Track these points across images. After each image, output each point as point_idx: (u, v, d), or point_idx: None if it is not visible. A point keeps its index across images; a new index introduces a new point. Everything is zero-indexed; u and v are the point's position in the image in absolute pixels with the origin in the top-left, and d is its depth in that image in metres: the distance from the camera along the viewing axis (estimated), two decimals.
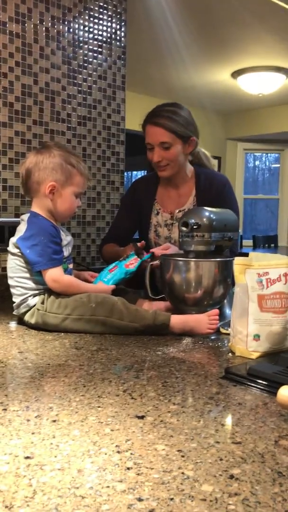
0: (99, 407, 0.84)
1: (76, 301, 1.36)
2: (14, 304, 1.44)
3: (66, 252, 1.48)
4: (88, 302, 1.35)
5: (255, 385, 0.95)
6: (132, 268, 1.56)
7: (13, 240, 1.44)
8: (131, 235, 1.97)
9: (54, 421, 0.79)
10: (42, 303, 1.39)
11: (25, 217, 1.46)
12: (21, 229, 1.44)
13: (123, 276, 1.55)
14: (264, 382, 0.95)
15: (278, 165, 6.98)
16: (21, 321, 1.46)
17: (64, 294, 1.40)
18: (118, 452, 0.69)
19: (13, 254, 1.44)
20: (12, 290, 1.45)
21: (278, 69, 4.58)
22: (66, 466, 0.65)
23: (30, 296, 1.41)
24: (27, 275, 1.41)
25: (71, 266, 1.52)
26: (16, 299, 1.43)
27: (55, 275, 1.38)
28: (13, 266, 1.44)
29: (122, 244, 1.81)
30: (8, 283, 1.45)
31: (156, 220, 1.90)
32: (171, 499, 0.58)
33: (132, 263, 1.57)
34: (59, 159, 1.43)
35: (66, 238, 1.50)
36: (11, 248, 1.44)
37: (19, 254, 1.42)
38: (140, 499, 0.57)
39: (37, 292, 1.41)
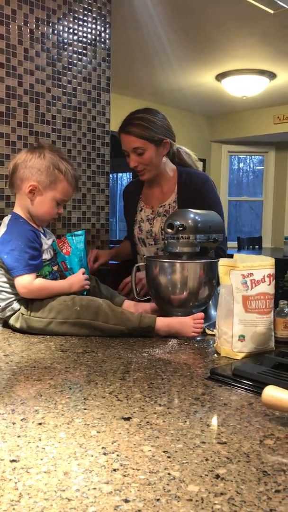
0: (85, 409, 0.84)
1: (61, 305, 1.36)
2: None
3: (48, 255, 1.48)
4: (73, 305, 1.35)
5: (240, 386, 0.96)
6: (77, 243, 1.53)
7: None
8: (130, 234, 2.07)
9: (40, 423, 0.78)
10: (27, 307, 1.38)
11: (6, 219, 1.45)
12: (1, 232, 1.43)
13: (76, 258, 1.52)
14: (249, 383, 0.96)
15: (262, 167, 7.04)
16: (6, 324, 1.45)
17: (35, 298, 1.39)
18: (105, 454, 0.69)
19: None
20: None
21: (261, 72, 4.62)
22: (52, 468, 0.65)
23: (14, 300, 1.41)
24: (10, 279, 1.41)
25: (56, 268, 1.51)
26: (1, 303, 1.42)
27: (25, 282, 1.36)
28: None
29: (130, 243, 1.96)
30: None
31: (140, 216, 1.98)
32: (158, 499, 0.58)
33: (63, 246, 1.54)
34: (48, 162, 1.42)
35: (47, 242, 1.49)
36: None
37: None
38: (126, 500, 0.58)
39: (21, 296, 1.41)
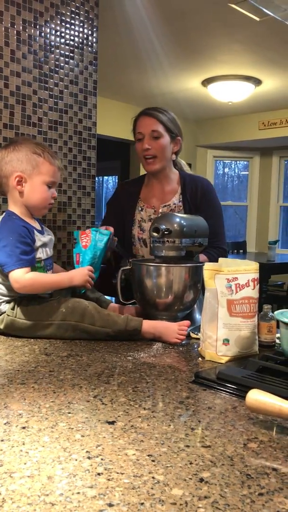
0: (69, 413, 0.84)
1: (46, 306, 1.35)
2: None
3: (44, 254, 1.46)
4: (58, 306, 1.34)
5: (225, 389, 0.97)
6: (99, 240, 1.51)
7: None
8: (118, 233, 1.96)
9: (24, 427, 0.78)
10: (12, 308, 1.37)
11: (2, 216, 1.44)
12: None
13: (91, 254, 1.50)
14: (233, 386, 0.96)
15: (247, 173, 7.10)
16: None
17: (31, 293, 1.37)
18: (89, 458, 0.69)
19: None
20: None
21: (247, 78, 4.67)
22: (36, 473, 0.64)
23: (3, 302, 1.39)
24: (2, 280, 1.39)
25: (50, 272, 1.49)
26: None
27: (16, 276, 1.34)
28: None
29: (120, 243, 1.87)
30: None
31: (140, 216, 1.98)
32: (142, 503, 0.58)
33: (84, 239, 1.52)
34: (24, 150, 1.42)
35: (42, 239, 1.46)
36: None
37: None
38: (110, 505, 0.57)
39: (10, 298, 1.39)
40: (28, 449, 0.71)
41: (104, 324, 1.32)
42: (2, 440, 0.73)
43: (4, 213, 1.45)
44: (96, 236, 1.52)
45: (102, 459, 0.68)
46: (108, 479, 0.63)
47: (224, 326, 1.18)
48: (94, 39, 2.21)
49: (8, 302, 1.39)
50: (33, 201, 1.44)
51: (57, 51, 2.07)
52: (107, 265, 2.18)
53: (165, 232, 1.48)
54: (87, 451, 0.70)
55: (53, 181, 1.46)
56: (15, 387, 0.96)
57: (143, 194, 2.00)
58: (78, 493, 0.60)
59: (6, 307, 1.38)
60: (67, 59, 2.11)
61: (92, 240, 1.51)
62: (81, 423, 0.80)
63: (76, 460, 0.68)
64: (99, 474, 0.64)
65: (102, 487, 0.61)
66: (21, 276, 1.34)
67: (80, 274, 1.43)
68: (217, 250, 1.86)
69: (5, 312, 1.38)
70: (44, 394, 0.93)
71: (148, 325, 1.34)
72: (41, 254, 1.44)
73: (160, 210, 1.93)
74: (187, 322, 1.35)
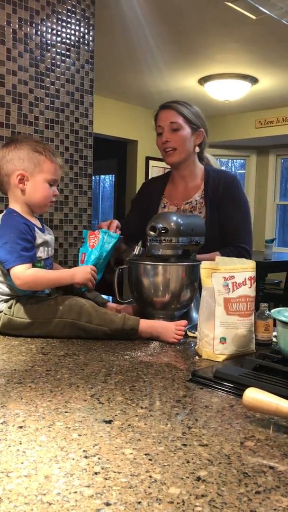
0: (66, 412, 0.84)
1: (43, 305, 1.35)
2: None
3: (44, 253, 1.45)
4: (56, 304, 1.34)
5: (222, 388, 0.97)
6: (106, 242, 1.50)
7: None
8: (140, 232, 1.92)
9: (21, 427, 0.78)
10: (10, 307, 1.37)
11: (1, 215, 1.44)
12: None
13: (97, 254, 1.50)
14: (230, 385, 0.96)
15: (244, 171, 7.10)
16: None
17: (33, 289, 1.37)
18: (86, 457, 0.69)
19: None
20: None
21: (244, 76, 4.67)
22: (33, 472, 0.64)
23: (1, 301, 1.39)
24: (1, 279, 1.39)
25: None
26: None
27: (17, 272, 1.33)
28: None
29: (132, 240, 1.83)
30: None
31: None
32: (139, 502, 0.58)
33: (93, 239, 1.52)
34: (25, 148, 1.42)
35: (43, 237, 1.46)
36: None
37: None
38: (108, 504, 0.57)
39: (8, 298, 1.39)
40: (25, 448, 0.71)
41: (101, 322, 1.32)
42: None
43: (4, 211, 1.45)
44: (105, 237, 1.52)
45: (99, 458, 0.68)
46: (105, 478, 0.63)
47: (221, 325, 1.18)
48: (91, 38, 2.20)
49: (6, 301, 1.39)
50: (35, 199, 1.44)
51: (54, 49, 2.07)
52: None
53: (162, 231, 1.48)
54: (84, 450, 0.70)
55: (54, 179, 1.46)
56: (12, 386, 0.96)
57: (168, 191, 1.95)
58: (75, 492, 0.60)
59: (3, 306, 1.38)
60: (63, 58, 2.10)
61: (100, 241, 1.52)
62: (78, 422, 0.80)
63: (73, 459, 0.68)
64: (96, 473, 0.64)
65: (99, 486, 0.61)
66: (22, 272, 1.33)
67: (83, 271, 1.42)
68: (236, 249, 1.76)
69: (2, 311, 1.38)
70: (41, 393, 0.93)
71: (146, 325, 1.34)
72: (41, 253, 1.44)
73: (182, 208, 1.87)
74: (184, 322, 1.35)
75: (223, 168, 7.23)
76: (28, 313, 1.34)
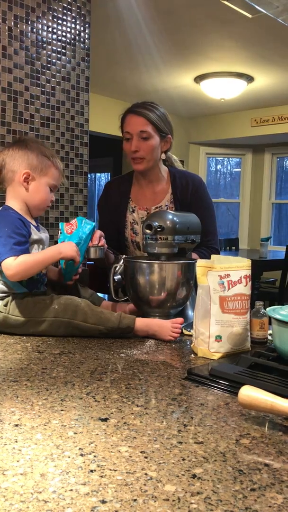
0: (62, 410, 0.84)
1: (39, 303, 1.35)
2: None
3: (39, 251, 1.45)
4: (51, 303, 1.34)
5: (217, 386, 0.97)
6: (84, 227, 1.50)
7: None
8: (114, 235, 1.93)
9: (17, 425, 0.78)
10: (6, 305, 1.36)
11: None
12: None
13: (76, 239, 1.48)
14: (225, 383, 0.97)
15: (239, 170, 7.11)
16: None
17: (26, 276, 1.36)
18: (82, 455, 0.69)
19: None
20: None
21: (239, 75, 4.67)
22: (28, 470, 0.64)
23: None
24: None
25: (44, 271, 1.48)
26: None
27: (7, 264, 1.32)
28: None
29: (113, 244, 1.85)
30: None
31: (132, 218, 1.91)
32: (135, 500, 0.58)
33: (70, 227, 1.52)
34: (35, 150, 1.46)
35: (38, 234, 1.46)
36: None
37: None
38: (103, 501, 0.58)
39: (4, 295, 1.39)
40: (21, 446, 0.71)
41: (97, 321, 1.32)
42: None
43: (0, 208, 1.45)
44: (82, 222, 1.52)
45: (95, 456, 0.68)
46: (101, 476, 0.63)
47: (216, 323, 1.18)
48: (87, 35, 2.20)
49: (1, 299, 1.39)
50: (35, 200, 1.46)
51: (49, 47, 2.06)
52: (99, 264, 2.15)
53: (158, 229, 1.48)
54: (80, 448, 0.70)
55: (55, 185, 1.50)
56: (8, 384, 0.96)
57: (134, 194, 1.93)
58: (71, 490, 0.60)
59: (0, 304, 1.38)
60: (59, 55, 2.10)
61: (78, 226, 1.51)
62: (74, 420, 0.80)
63: (69, 457, 0.68)
64: (92, 471, 0.64)
65: (95, 484, 0.61)
66: (10, 263, 1.33)
67: (68, 245, 1.41)
68: (209, 249, 1.82)
69: None
70: (37, 391, 0.93)
71: (141, 323, 1.34)
72: (36, 250, 1.44)
73: (151, 212, 1.87)
74: (180, 320, 1.35)
75: (219, 166, 7.25)
76: (24, 311, 1.34)
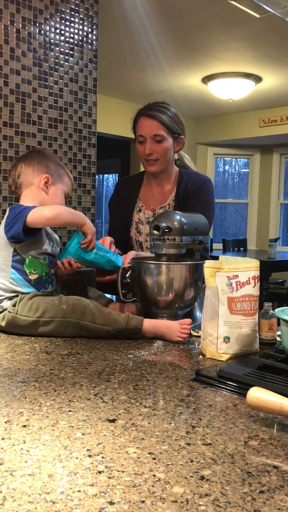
0: (70, 411, 0.84)
1: (47, 303, 1.35)
2: None
3: (50, 248, 1.48)
4: (60, 304, 1.34)
5: (225, 387, 0.97)
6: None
7: (1, 231, 1.42)
8: (125, 235, 1.95)
9: (25, 426, 0.78)
10: (14, 305, 1.37)
11: (8, 208, 1.46)
12: (4, 220, 1.44)
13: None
14: (234, 384, 0.96)
15: (247, 170, 7.09)
16: None
17: (57, 219, 1.41)
18: (90, 456, 0.69)
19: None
20: None
21: (247, 75, 4.66)
22: (36, 471, 0.64)
23: (5, 298, 1.40)
24: (4, 274, 1.40)
25: (53, 270, 1.49)
26: None
27: (39, 208, 1.38)
28: None
29: (122, 244, 1.86)
30: None
31: (138, 217, 1.92)
32: (143, 501, 0.58)
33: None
34: (52, 159, 1.55)
35: (49, 230, 1.52)
36: (1, 242, 1.42)
37: (6, 242, 1.40)
38: (111, 503, 0.57)
39: (13, 295, 1.40)
40: (29, 447, 0.71)
41: (104, 322, 1.32)
42: (3, 439, 0.73)
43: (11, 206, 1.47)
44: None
45: (102, 457, 0.68)
46: (109, 477, 0.63)
47: (224, 324, 1.18)
48: (94, 37, 2.20)
49: (10, 299, 1.40)
50: (52, 204, 1.49)
51: (57, 48, 2.07)
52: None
53: (166, 230, 1.48)
54: (87, 449, 0.70)
55: (68, 193, 1.57)
56: (16, 385, 0.97)
57: (142, 194, 1.95)
58: (79, 491, 0.60)
59: (7, 304, 1.39)
60: (67, 57, 2.10)
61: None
62: (82, 421, 0.80)
63: (76, 458, 0.68)
64: (99, 472, 0.64)
65: (103, 485, 0.61)
66: (39, 210, 1.38)
67: (91, 225, 1.48)
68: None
69: (6, 309, 1.38)
70: (45, 392, 0.93)
71: (149, 324, 1.34)
72: (47, 246, 1.47)
73: (157, 212, 1.88)
74: (188, 320, 1.34)
75: (227, 167, 7.23)
76: (32, 311, 1.35)
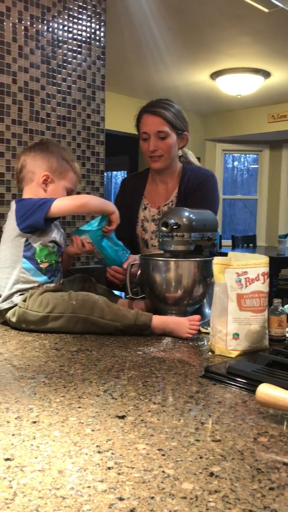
0: (79, 407, 0.84)
1: (57, 299, 1.36)
2: None
3: (58, 236, 1.51)
4: (69, 299, 1.35)
5: (235, 384, 0.96)
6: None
7: (10, 225, 1.44)
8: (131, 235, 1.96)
9: (35, 422, 0.78)
10: (24, 300, 1.38)
11: (14, 202, 1.48)
12: (11, 213, 1.45)
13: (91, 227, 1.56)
14: (243, 381, 0.96)
15: (257, 166, 7.05)
16: (0, 321, 1.45)
17: (88, 207, 1.48)
18: (99, 452, 0.69)
19: (7, 238, 1.44)
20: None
21: (256, 70, 4.63)
22: (46, 467, 0.65)
23: (17, 292, 1.41)
24: (23, 272, 1.42)
25: (60, 259, 1.52)
26: (1, 291, 1.43)
27: (58, 202, 1.40)
28: (6, 255, 1.43)
29: (127, 242, 1.84)
30: None
31: (143, 215, 1.93)
32: (152, 497, 0.58)
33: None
34: (56, 154, 1.51)
35: (56, 223, 1.53)
36: (11, 234, 1.43)
37: (17, 234, 1.41)
38: (121, 499, 0.58)
39: (25, 287, 1.42)
40: (39, 443, 0.71)
41: (113, 318, 1.33)
42: (13, 435, 0.74)
43: (14, 200, 1.49)
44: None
45: (112, 453, 0.68)
46: (119, 473, 0.63)
47: (234, 321, 1.17)
48: (102, 34, 2.20)
49: (21, 294, 1.41)
50: None
51: (65, 46, 2.07)
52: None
53: (174, 227, 1.48)
54: (97, 446, 0.71)
55: (72, 189, 1.55)
56: (26, 381, 0.97)
57: (148, 191, 1.95)
58: (89, 487, 0.60)
59: (18, 299, 1.40)
60: (74, 54, 2.10)
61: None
62: (91, 417, 0.80)
63: (86, 454, 0.68)
64: (109, 468, 0.65)
65: (112, 481, 0.61)
66: (66, 199, 1.43)
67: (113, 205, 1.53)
68: None
69: (17, 304, 1.39)
70: (55, 388, 0.93)
71: (158, 321, 1.34)
72: (56, 234, 1.49)
73: (161, 209, 1.89)
74: (197, 317, 1.34)
75: (235, 163, 7.19)
76: (42, 306, 1.35)
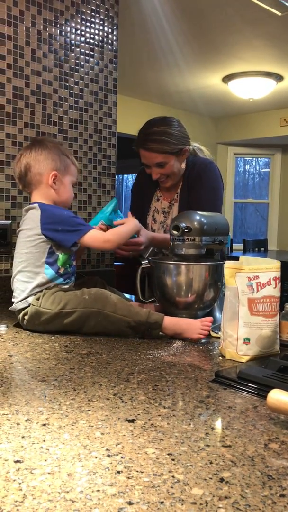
0: (89, 410, 0.84)
1: (69, 295, 1.37)
2: (14, 299, 1.45)
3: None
4: (82, 294, 1.35)
5: (245, 389, 0.96)
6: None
7: (32, 229, 1.43)
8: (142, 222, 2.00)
9: (44, 424, 0.78)
10: (38, 299, 1.38)
11: (33, 206, 1.45)
12: (33, 217, 1.43)
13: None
14: (254, 386, 0.95)
15: (268, 170, 7.02)
16: (11, 323, 1.45)
17: (120, 244, 1.53)
18: (109, 455, 0.69)
19: (29, 242, 1.43)
20: (16, 285, 1.45)
21: (268, 74, 4.61)
22: (56, 470, 0.65)
23: (32, 294, 1.41)
24: (39, 270, 1.42)
25: (75, 262, 1.53)
26: (20, 295, 1.43)
27: (98, 236, 1.46)
28: (24, 258, 1.43)
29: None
30: (14, 277, 1.46)
31: (156, 206, 2.00)
32: (161, 502, 0.58)
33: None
34: (56, 150, 1.50)
35: None
36: (33, 239, 1.43)
37: (41, 240, 1.41)
38: (130, 503, 0.57)
39: (38, 290, 1.41)
40: (49, 446, 0.71)
41: (126, 313, 1.32)
42: (23, 437, 0.74)
43: (34, 205, 1.46)
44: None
45: (122, 457, 0.68)
46: (128, 477, 0.63)
47: (245, 325, 1.17)
48: (114, 37, 2.21)
49: (34, 294, 1.41)
50: (63, 199, 1.51)
51: (78, 49, 2.08)
52: (126, 264, 2.19)
53: (185, 230, 1.47)
54: (107, 449, 0.70)
55: (75, 181, 1.57)
56: (36, 384, 0.97)
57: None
58: (98, 490, 0.60)
59: (32, 299, 1.40)
60: (87, 58, 2.11)
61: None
62: (101, 421, 0.80)
63: (96, 457, 0.68)
64: (119, 472, 0.64)
65: (122, 485, 0.61)
66: (102, 235, 1.48)
67: (135, 221, 1.62)
68: None
69: (31, 303, 1.40)
70: (64, 391, 0.93)
71: (170, 321, 1.34)
72: None
73: (172, 203, 1.97)
74: (210, 318, 1.33)
75: (247, 167, 7.17)
76: (55, 304, 1.36)
